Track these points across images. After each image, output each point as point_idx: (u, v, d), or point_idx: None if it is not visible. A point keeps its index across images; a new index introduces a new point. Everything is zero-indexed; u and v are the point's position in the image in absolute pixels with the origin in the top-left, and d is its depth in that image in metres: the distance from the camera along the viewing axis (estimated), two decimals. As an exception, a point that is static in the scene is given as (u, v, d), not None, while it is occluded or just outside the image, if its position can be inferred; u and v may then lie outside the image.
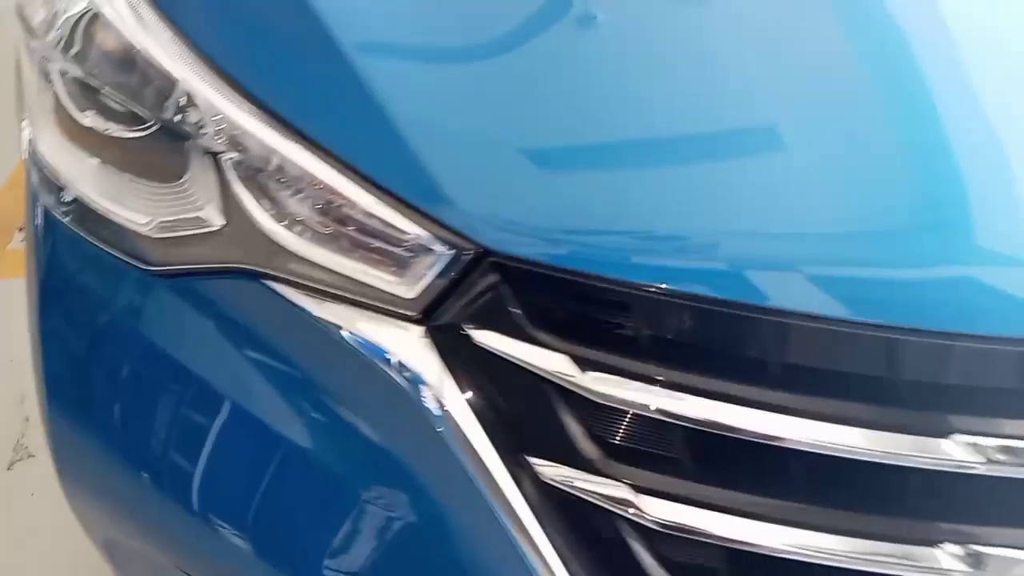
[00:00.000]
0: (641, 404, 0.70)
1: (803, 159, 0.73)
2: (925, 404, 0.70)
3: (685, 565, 0.76)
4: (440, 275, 0.72)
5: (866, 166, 0.73)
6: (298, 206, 0.75)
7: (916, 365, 0.71)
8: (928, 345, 0.69)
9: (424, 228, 0.71)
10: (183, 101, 0.77)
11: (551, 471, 0.73)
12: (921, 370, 0.70)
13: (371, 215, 0.72)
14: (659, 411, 0.70)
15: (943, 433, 0.69)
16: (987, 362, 0.70)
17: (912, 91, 0.77)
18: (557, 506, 0.74)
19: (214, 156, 0.78)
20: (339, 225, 0.74)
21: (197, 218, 0.79)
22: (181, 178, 0.80)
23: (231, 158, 0.77)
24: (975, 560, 0.71)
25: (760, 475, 0.73)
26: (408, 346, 0.72)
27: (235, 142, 0.76)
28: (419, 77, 0.75)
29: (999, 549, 0.71)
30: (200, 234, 0.78)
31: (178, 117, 0.78)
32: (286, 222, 0.76)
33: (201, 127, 0.77)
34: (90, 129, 0.81)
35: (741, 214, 0.71)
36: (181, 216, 0.79)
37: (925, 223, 0.72)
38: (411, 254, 0.72)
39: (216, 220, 0.78)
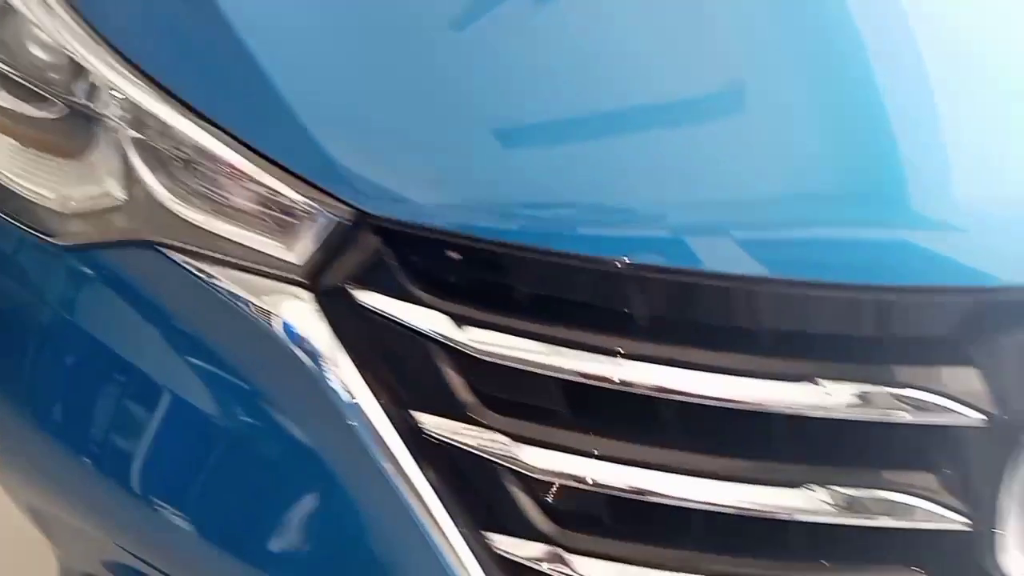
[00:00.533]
0: (516, 358, 0.73)
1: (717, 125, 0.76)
2: (798, 352, 0.73)
3: (568, 512, 0.79)
4: (325, 240, 0.75)
5: (801, 134, 0.76)
6: (191, 178, 0.79)
7: (797, 316, 0.74)
8: (812, 297, 0.72)
9: (306, 194, 0.74)
10: (85, 81, 0.81)
11: (434, 424, 0.76)
12: (801, 320, 0.74)
13: (258, 183, 0.76)
14: (534, 364, 0.73)
15: (807, 378, 0.72)
16: (880, 312, 0.73)
17: (851, 60, 0.79)
18: (441, 458, 0.77)
19: (116, 132, 0.81)
20: (230, 195, 0.78)
21: (101, 193, 0.82)
22: (86, 155, 0.83)
23: (130, 134, 0.80)
24: (843, 501, 0.74)
25: (638, 423, 0.76)
26: (298, 310, 0.76)
27: (133, 119, 0.79)
28: (303, 48, 0.79)
29: (865, 491, 0.74)
30: (104, 208, 0.82)
31: (81, 97, 0.82)
32: (181, 194, 0.79)
33: (102, 105, 0.81)
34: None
35: (628, 173, 0.74)
36: (86, 191, 0.83)
37: (856, 186, 0.75)
38: (297, 220, 0.75)
39: (119, 194, 0.81)
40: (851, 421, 0.73)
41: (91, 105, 0.82)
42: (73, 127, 0.84)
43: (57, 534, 1.01)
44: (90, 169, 0.83)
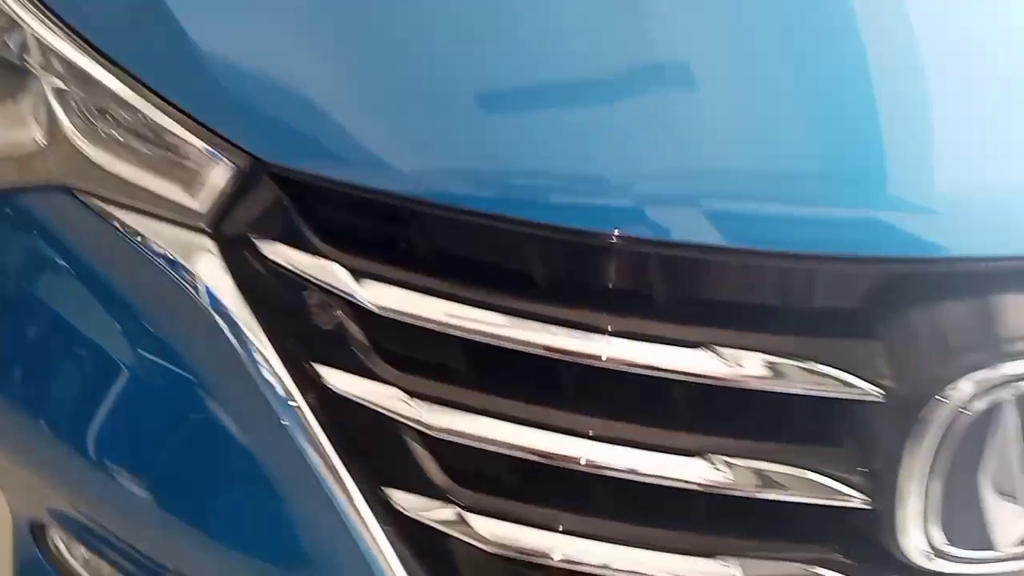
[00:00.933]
0: (414, 314, 0.73)
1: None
2: (697, 318, 0.72)
3: (471, 473, 0.79)
4: (226, 188, 0.75)
5: (773, 107, 0.73)
6: (106, 124, 0.79)
7: (696, 282, 0.73)
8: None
9: (207, 141, 0.74)
10: (13, 30, 0.82)
11: (334, 378, 0.76)
12: (700, 286, 0.72)
13: (165, 129, 0.76)
14: (431, 321, 0.73)
15: (704, 345, 0.70)
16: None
17: (834, 34, 0.77)
18: (342, 413, 0.77)
19: (40, 80, 0.82)
20: (141, 141, 0.78)
21: (26, 138, 0.83)
22: (15, 101, 0.84)
23: (52, 81, 0.81)
24: (742, 473, 0.73)
25: (540, 385, 0.75)
26: (201, 259, 0.76)
27: (53, 65, 0.80)
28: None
29: (765, 464, 0.73)
30: (27, 153, 0.83)
31: (9, 45, 0.82)
32: (97, 140, 0.79)
33: (27, 53, 0.81)
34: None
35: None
36: (12, 136, 0.83)
37: (820, 161, 0.72)
38: (200, 168, 0.75)
39: (41, 140, 0.82)
40: (757, 393, 0.71)
41: (17, 53, 0.82)
42: (2, 75, 0.85)
43: (2, 479, 1.03)
44: (18, 115, 0.84)
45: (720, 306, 0.71)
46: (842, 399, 0.70)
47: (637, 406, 0.74)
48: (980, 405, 0.67)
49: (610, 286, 0.72)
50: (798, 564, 0.75)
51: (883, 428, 0.69)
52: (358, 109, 0.74)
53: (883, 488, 0.71)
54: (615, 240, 0.69)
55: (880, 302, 0.69)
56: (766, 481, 0.72)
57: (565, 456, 0.74)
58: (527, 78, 0.75)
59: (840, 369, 0.69)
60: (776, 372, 0.69)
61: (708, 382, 0.70)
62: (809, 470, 0.72)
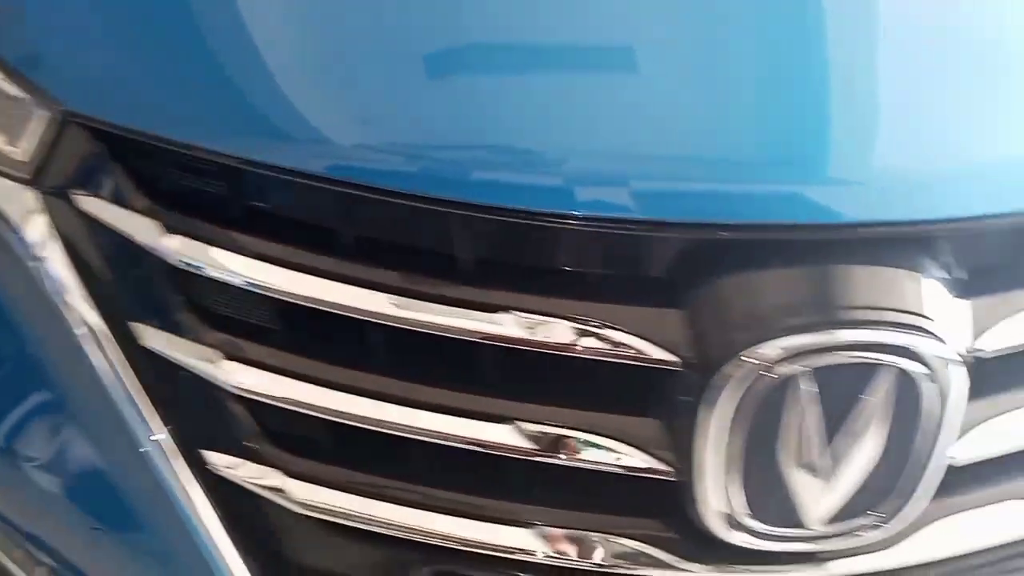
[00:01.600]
0: (219, 269, 0.72)
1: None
2: (495, 282, 0.70)
3: (294, 437, 0.78)
4: (45, 138, 0.74)
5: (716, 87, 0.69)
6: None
7: (500, 246, 0.71)
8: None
9: (24, 88, 0.73)
10: None
11: (152, 338, 0.75)
12: (503, 250, 0.71)
13: None
14: (242, 279, 0.72)
15: (503, 309, 0.69)
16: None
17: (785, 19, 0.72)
18: (162, 372, 0.76)
19: None
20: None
21: None
22: None
23: None
24: (548, 440, 0.72)
25: (356, 349, 0.74)
26: (21, 209, 0.76)
27: None
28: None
29: (570, 431, 0.71)
30: None
31: None
32: None
33: None
34: None
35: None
36: None
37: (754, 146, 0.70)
38: (20, 117, 0.75)
39: None
40: (569, 361, 0.70)
41: None
42: None
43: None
44: None
45: (524, 272, 0.69)
46: (647, 368, 0.68)
47: (451, 372, 0.73)
48: (771, 376, 0.65)
49: (418, 249, 0.71)
50: (609, 536, 0.74)
51: (683, 397, 0.68)
52: (171, 59, 0.73)
53: (685, 459, 0.69)
54: (421, 204, 0.68)
55: (678, 271, 0.68)
56: (570, 449, 0.71)
57: (372, 419, 0.73)
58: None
59: (638, 336, 0.67)
60: (574, 337, 0.67)
61: (507, 345, 0.69)
62: (614, 439, 0.70)
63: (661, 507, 0.73)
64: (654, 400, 0.70)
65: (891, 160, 0.66)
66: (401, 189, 0.68)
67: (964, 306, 0.68)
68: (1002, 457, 0.76)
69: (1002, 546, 0.79)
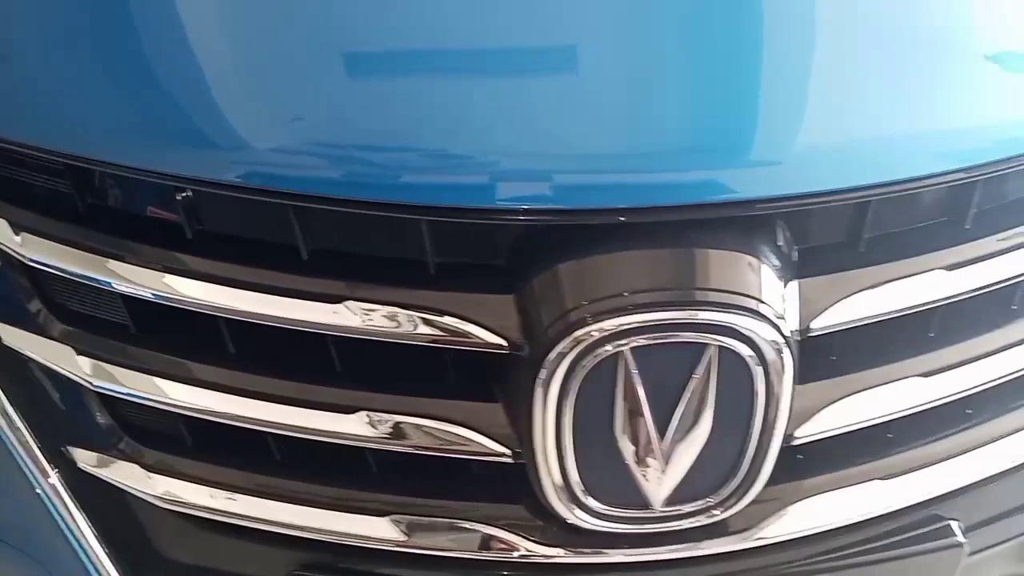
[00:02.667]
0: (66, 268, 0.73)
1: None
2: (332, 272, 0.71)
3: (158, 432, 0.79)
4: None
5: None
6: None
7: (334, 233, 0.71)
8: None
9: None
10: None
11: (8, 334, 0.76)
12: (336, 238, 0.71)
13: None
14: (84, 276, 0.73)
15: (338, 299, 0.70)
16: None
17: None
18: (21, 369, 0.77)
19: None
20: None
21: None
22: None
23: None
24: (392, 428, 0.73)
25: (210, 343, 0.75)
26: None
27: None
28: None
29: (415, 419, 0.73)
30: None
31: None
32: None
33: None
34: None
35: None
36: None
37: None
38: None
39: None
40: (415, 350, 0.71)
41: None
42: None
43: None
44: None
45: (361, 262, 0.71)
46: (488, 353, 0.70)
47: (300, 364, 0.74)
48: (598, 355, 0.66)
49: (257, 241, 0.72)
50: (462, 521, 0.75)
51: (521, 381, 0.69)
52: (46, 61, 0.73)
53: (526, 441, 0.70)
54: (249, 195, 0.68)
55: (509, 257, 0.69)
56: (416, 436, 0.72)
57: (222, 413, 0.74)
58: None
59: (473, 322, 0.68)
60: (404, 324, 0.69)
61: (350, 335, 0.70)
62: (457, 424, 0.72)
63: (514, 491, 0.74)
64: (498, 385, 0.72)
65: (715, 142, 0.67)
66: (229, 181, 0.69)
67: (793, 287, 0.69)
68: (855, 438, 0.78)
69: (856, 530, 0.81)
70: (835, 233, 0.72)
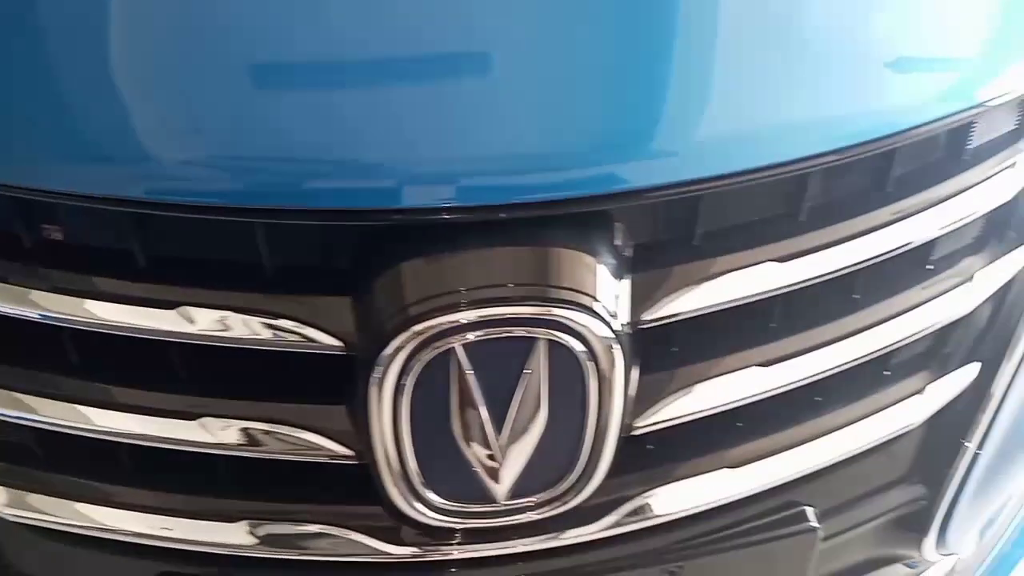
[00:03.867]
0: None
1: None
2: (167, 277, 0.71)
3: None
4: None
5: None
6: None
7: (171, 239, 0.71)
8: None
9: None
10: None
11: None
12: (170, 243, 0.71)
13: None
14: None
15: (172, 304, 0.70)
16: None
17: None
18: None
19: None
20: None
21: None
22: None
23: None
24: (238, 434, 0.73)
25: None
26: None
27: None
28: None
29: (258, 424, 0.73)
30: None
31: None
32: None
33: None
34: None
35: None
36: None
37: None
38: None
39: None
40: (257, 354, 0.71)
41: None
42: None
43: None
44: None
45: (195, 266, 0.71)
46: (328, 355, 0.70)
47: (141, 371, 0.74)
48: (429, 353, 0.67)
49: (90, 247, 0.71)
50: (311, 524, 0.75)
51: (359, 381, 0.69)
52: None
53: (366, 441, 0.71)
54: (82, 202, 0.67)
55: (342, 259, 0.69)
56: (261, 442, 0.72)
57: (63, 423, 0.73)
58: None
59: (307, 325, 0.69)
60: (237, 328, 0.69)
61: (179, 340, 0.70)
62: (298, 427, 0.72)
63: (367, 493, 0.74)
64: (340, 387, 0.72)
65: (541, 139, 0.68)
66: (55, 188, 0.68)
67: (626, 282, 0.70)
68: (705, 427, 0.79)
69: (710, 518, 0.82)
70: (670, 228, 0.74)
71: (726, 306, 0.74)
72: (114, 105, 0.67)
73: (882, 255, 0.78)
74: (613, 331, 0.69)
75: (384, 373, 0.68)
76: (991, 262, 0.87)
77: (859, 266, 0.77)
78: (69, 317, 0.71)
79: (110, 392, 0.73)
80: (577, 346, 0.68)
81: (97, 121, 0.67)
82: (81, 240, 0.72)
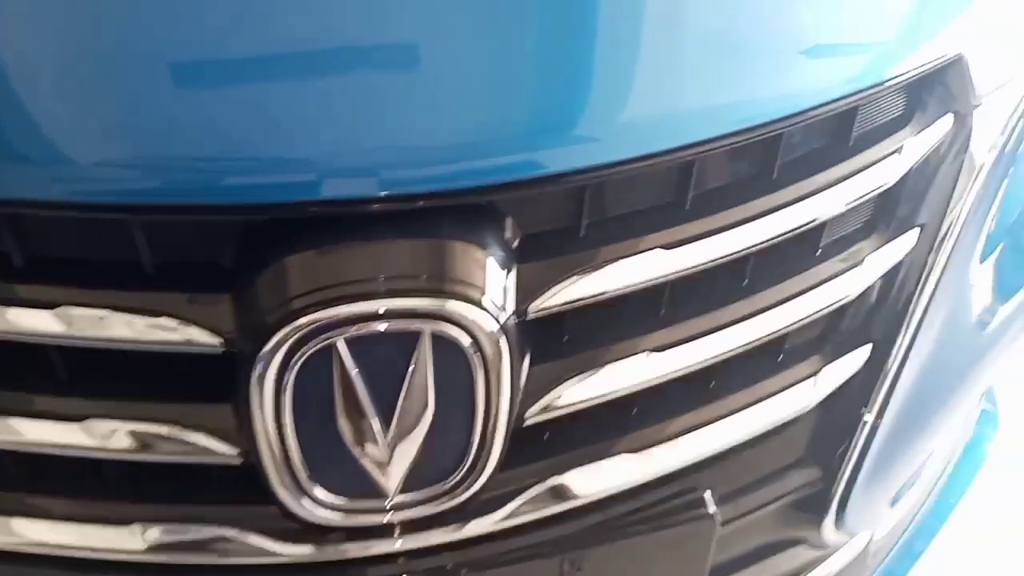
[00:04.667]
0: None
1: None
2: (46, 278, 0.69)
3: None
4: None
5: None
6: None
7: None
8: None
9: None
10: None
11: None
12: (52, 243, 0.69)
13: None
14: None
15: (48, 305, 0.68)
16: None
17: None
18: None
19: None
20: None
21: None
22: None
23: None
24: (122, 436, 0.72)
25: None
26: None
27: None
28: None
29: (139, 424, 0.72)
30: None
31: None
32: None
33: None
34: None
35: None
36: None
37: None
38: None
39: None
40: (143, 355, 0.70)
41: None
42: None
43: None
44: None
45: (73, 266, 0.69)
46: (209, 354, 0.69)
47: (23, 374, 0.72)
48: (310, 349, 0.66)
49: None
50: (200, 525, 0.74)
51: (241, 379, 0.68)
52: None
53: (250, 439, 0.70)
54: None
55: (223, 255, 0.68)
56: (146, 443, 0.71)
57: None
58: None
59: (188, 322, 0.68)
60: (116, 327, 0.67)
61: (55, 342, 0.69)
62: (188, 428, 0.71)
63: (259, 492, 0.73)
64: (225, 385, 0.71)
65: (425, 131, 0.67)
66: None
67: (511, 273, 0.70)
68: (601, 415, 0.80)
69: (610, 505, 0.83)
70: (557, 218, 0.74)
71: (615, 294, 0.74)
72: None
73: (768, 241, 0.79)
74: (500, 324, 0.69)
75: (265, 370, 0.67)
76: (881, 246, 0.88)
77: (745, 252, 0.78)
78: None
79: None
80: (463, 339, 0.68)
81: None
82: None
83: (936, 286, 0.92)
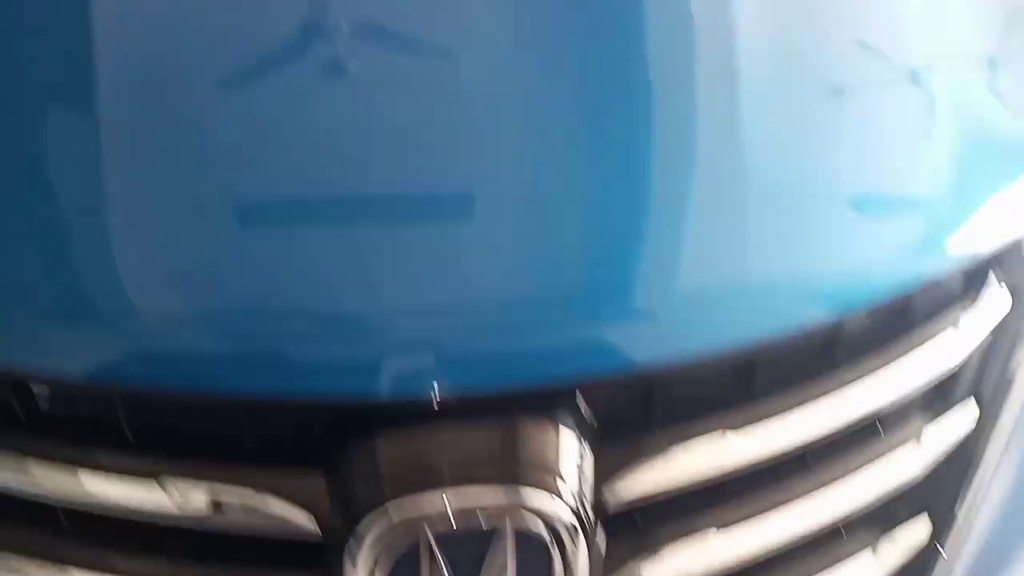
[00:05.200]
0: None
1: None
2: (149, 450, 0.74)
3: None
4: None
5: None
6: None
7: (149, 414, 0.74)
8: None
9: None
10: None
11: None
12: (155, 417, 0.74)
13: None
14: None
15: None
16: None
17: None
18: None
19: None
20: None
21: None
22: None
23: None
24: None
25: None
26: None
27: None
28: None
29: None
30: None
31: None
32: None
33: None
34: None
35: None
36: None
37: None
38: None
39: None
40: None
41: None
42: None
43: None
44: None
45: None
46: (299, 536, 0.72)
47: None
48: (400, 538, 0.70)
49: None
50: None
51: (334, 563, 0.72)
52: None
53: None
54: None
55: (323, 441, 0.72)
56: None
57: None
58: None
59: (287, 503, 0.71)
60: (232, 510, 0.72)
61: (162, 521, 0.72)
62: None
63: None
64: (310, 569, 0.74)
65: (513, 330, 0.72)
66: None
67: (588, 465, 0.73)
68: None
69: None
70: (631, 407, 0.77)
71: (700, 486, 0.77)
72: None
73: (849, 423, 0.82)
74: (579, 517, 0.71)
75: (358, 558, 0.70)
76: (936, 419, 0.90)
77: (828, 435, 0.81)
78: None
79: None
80: (544, 533, 0.71)
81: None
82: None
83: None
